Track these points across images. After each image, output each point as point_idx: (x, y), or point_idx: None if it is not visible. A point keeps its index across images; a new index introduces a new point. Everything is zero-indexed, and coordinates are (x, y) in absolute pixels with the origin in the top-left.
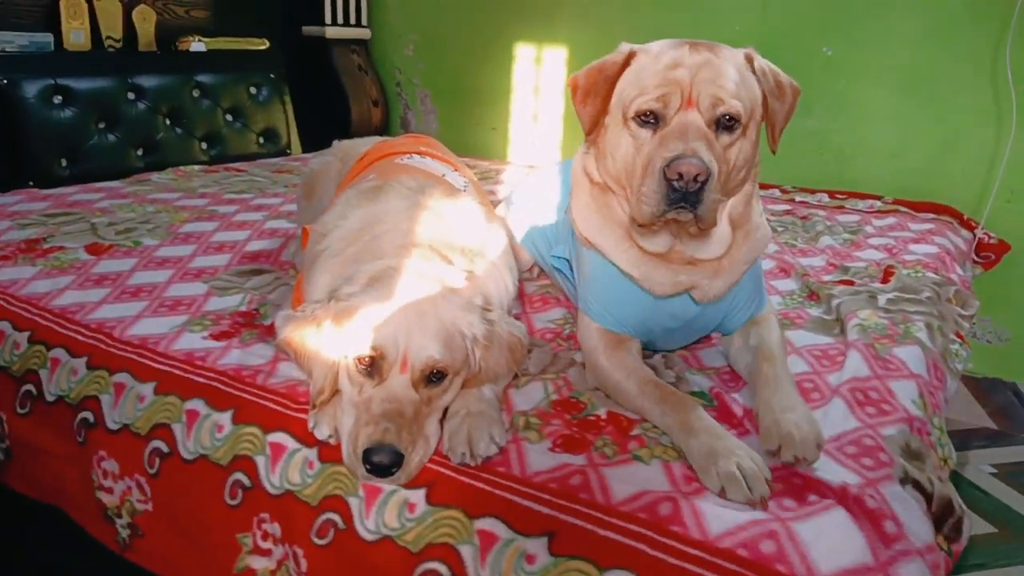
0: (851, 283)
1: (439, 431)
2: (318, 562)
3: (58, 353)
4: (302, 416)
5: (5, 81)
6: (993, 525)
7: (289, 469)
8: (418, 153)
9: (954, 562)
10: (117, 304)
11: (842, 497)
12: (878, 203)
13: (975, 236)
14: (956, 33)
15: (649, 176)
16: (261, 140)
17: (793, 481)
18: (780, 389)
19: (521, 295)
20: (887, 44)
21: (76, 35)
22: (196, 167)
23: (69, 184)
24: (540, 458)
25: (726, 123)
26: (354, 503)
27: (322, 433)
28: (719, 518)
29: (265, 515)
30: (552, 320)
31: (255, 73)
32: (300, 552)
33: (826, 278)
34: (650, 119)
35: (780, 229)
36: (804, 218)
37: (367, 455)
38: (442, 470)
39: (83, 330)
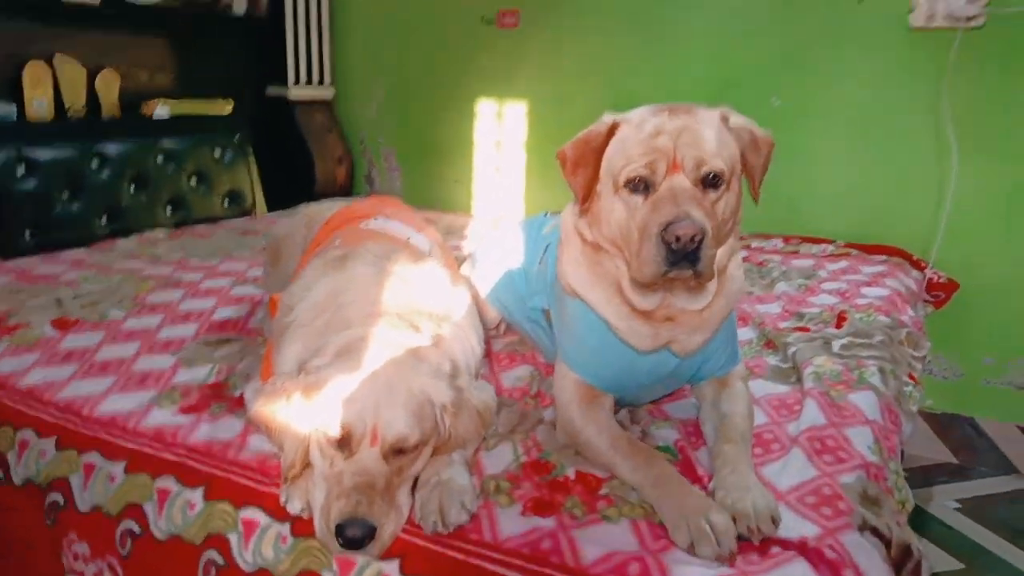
0: (806, 330)
1: (411, 500)
2: None
3: (26, 435)
4: (274, 490)
5: None
6: (959, 560)
7: (262, 545)
8: (384, 216)
9: None
10: (85, 381)
11: (802, 549)
12: (830, 247)
13: (925, 276)
14: (898, 78)
15: (647, 240)
16: (226, 202)
17: None
18: (737, 470)
19: (488, 353)
20: (832, 92)
21: (39, 104)
22: (161, 232)
23: (34, 254)
24: (511, 523)
25: (711, 181)
26: None
27: (295, 507)
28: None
29: None
30: (519, 378)
31: (219, 135)
32: None
33: (782, 325)
34: (640, 185)
35: (743, 271)
36: (760, 264)
37: (340, 529)
38: (415, 540)
39: (51, 410)
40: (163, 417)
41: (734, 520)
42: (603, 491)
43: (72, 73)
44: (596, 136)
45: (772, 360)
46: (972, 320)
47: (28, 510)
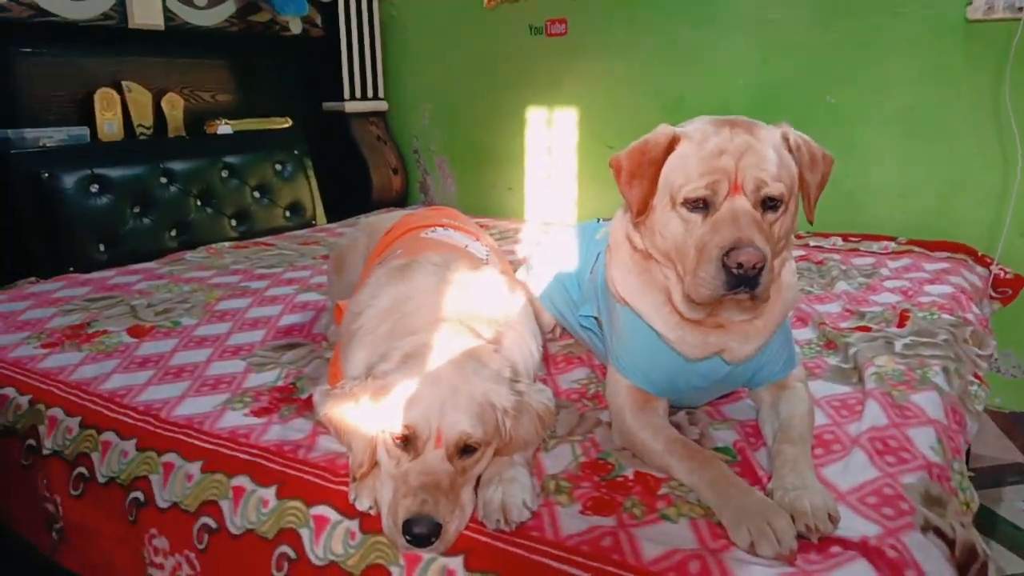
0: (867, 329)
1: (474, 499)
2: None
3: (109, 436)
4: (343, 488)
5: (46, 174)
6: None
7: (332, 540)
8: (441, 226)
9: None
10: (161, 385)
11: (864, 549)
12: (892, 244)
13: (991, 272)
14: (955, 73)
15: (706, 262)
16: (287, 214)
17: None
18: (795, 470)
19: (545, 356)
20: (888, 88)
21: (109, 126)
22: (227, 244)
23: (107, 268)
24: (571, 521)
25: (770, 204)
26: (395, 572)
27: (363, 505)
28: (747, 574)
29: None
30: (576, 380)
31: (279, 150)
32: None
33: (842, 325)
34: (699, 204)
35: (797, 276)
36: (819, 263)
37: (407, 526)
38: (478, 537)
39: (131, 413)
40: (236, 419)
41: (792, 519)
42: (662, 491)
43: (139, 96)
44: (654, 147)
45: (833, 360)
46: None
47: (112, 507)
